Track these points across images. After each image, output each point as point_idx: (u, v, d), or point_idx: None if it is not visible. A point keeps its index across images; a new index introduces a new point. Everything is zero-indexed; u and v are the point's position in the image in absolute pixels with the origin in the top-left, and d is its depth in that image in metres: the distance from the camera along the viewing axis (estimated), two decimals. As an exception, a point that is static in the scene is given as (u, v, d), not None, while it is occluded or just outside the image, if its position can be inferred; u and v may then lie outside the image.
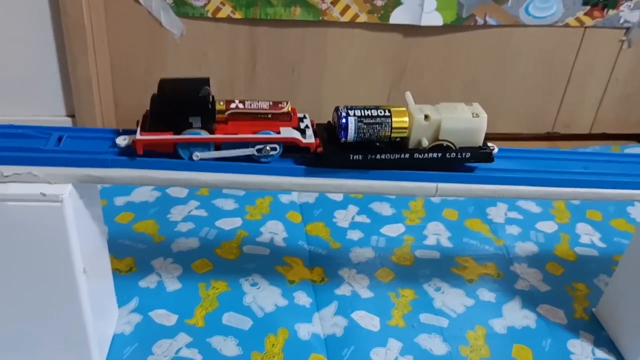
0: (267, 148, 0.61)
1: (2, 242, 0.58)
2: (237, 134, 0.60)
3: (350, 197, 1.06)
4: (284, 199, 1.04)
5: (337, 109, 0.61)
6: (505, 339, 0.79)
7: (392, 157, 0.62)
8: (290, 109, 0.62)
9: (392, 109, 0.62)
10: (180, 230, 0.93)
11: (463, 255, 0.94)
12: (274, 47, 1.13)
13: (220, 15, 1.07)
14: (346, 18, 1.10)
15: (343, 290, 0.85)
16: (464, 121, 0.62)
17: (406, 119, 0.61)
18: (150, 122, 0.60)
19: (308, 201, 1.04)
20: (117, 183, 0.59)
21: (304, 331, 0.77)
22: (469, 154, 0.63)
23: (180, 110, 0.59)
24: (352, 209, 1.03)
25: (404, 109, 0.62)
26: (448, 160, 0.63)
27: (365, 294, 0.85)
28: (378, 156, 0.62)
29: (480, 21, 1.13)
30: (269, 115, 0.62)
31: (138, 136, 0.59)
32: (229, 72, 1.14)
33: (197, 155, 0.60)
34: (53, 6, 1.03)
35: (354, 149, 0.61)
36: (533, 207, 1.07)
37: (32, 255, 0.59)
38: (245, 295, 0.81)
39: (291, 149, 0.62)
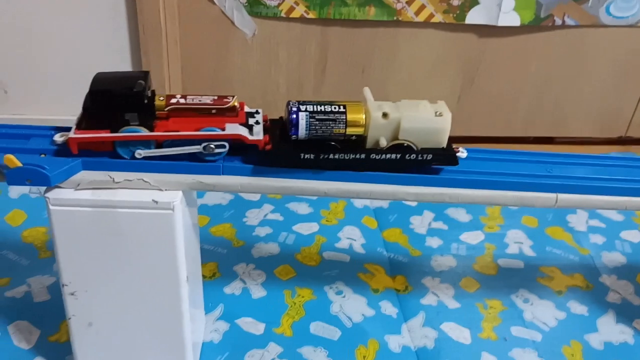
0: (212, 146, 0.56)
1: (109, 248, 0.57)
2: (178, 131, 0.56)
3: (423, 203, 1.03)
4: (358, 203, 1.02)
5: (288, 104, 0.57)
6: (604, 355, 0.76)
7: (346, 157, 0.57)
8: (237, 103, 0.58)
9: (348, 105, 0.57)
10: (258, 234, 0.91)
11: (548, 264, 0.91)
12: (345, 47, 1.10)
13: (294, 14, 1.05)
14: (421, 18, 1.07)
15: (429, 300, 0.82)
16: (425, 120, 0.57)
17: (362, 115, 0.57)
18: (85, 119, 0.56)
19: (382, 206, 1.01)
20: (227, 190, 0.57)
21: (394, 343, 0.75)
22: (431, 155, 0.58)
23: (114, 106, 0.55)
24: (428, 214, 1.00)
25: (361, 105, 0.58)
26: (407, 161, 0.58)
27: (452, 304, 0.82)
28: (331, 155, 0.57)
29: (558, 21, 1.09)
30: (213, 111, 0.57)
31: (72, 134, 0.55)
32: (298, 72, 1.12)
33: (140, 153, 0.56)
34: (129, 7, 1.02)
35: (305, 147, 0.57)
36: (615, 216, 1.03)
37: (138, 261, 0.58)
38: (331, 304, 0.79)
39: (239, 147, 0.57)
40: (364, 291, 0.82)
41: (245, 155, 0.58)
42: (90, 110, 0.55)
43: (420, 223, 0.98)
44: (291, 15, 1.05)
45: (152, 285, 0.60)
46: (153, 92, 0.58)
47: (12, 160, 0.52)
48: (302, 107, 0.56)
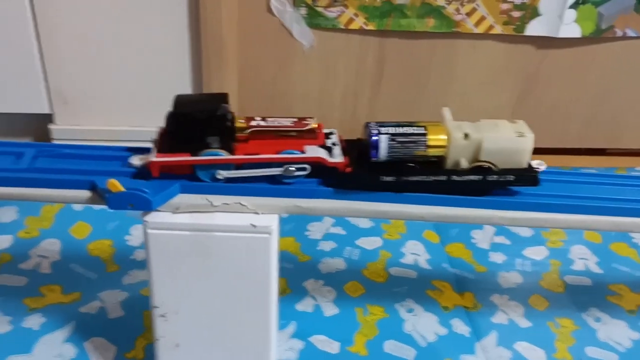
0: (291, 168, 0.56)
1: (203, 271, 0.57)
2: (258, 153, 0.56)
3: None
4: (416, 216, 1.01)
5: (367, 125, 0.56)
6: (684, 378, 0.75)
7: (427, 179, 0.56)
8: (316, 125, 0.58)
9: (428, 126, 0.56)
10: (323, 249, 0.91)
11: (616, 282, 0.89)
12: (402, 58, 1.09)
13: (353, 26, 1.04)
14: (480, 29, 1.06)
15: (499, 318, 0.81)
16: (507, 141, 0.56)
17: (444, 137, 0.56)
18: (167, 142, 0.56)
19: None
20: (323, 214, 0.57)
21: (469, 363, 0.74)
22: (512, 176, 0.57)
23: (197, 129, 0.54)
24: (489, 229, 0.99)
25: (441, 126, 0.57)
26: (489, 183, 0.57)
27: (523, 323, 0.81)
28: (412, 177, 0.56)
29: (619, 33, 1.08)
30: (293, 133, 0.57)
31: (153, 157, 0.55)
32: (355, 84, 1.11)
33: (222, 173, 0.56)
34: (192, 19, 1.02)
35: (385, 169, 0.56)
36: (679, 231, 1.01)
37: (230, 284, 0.58)
38: (404, 323, 0.78)
39: (318, 169, 0.57)
40: (434, 309, 0.81)
41: (323, 177, 0.58)
42: (172, 133, 0.55)
43: (483, 238, 0.97)
44: (350, 27, 1.05)
45: (241, 306, 0.59)
46: (233, 114, 0.57)
47: (116, 185, 0.52)
48: (383, 130, 0.56)
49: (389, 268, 0.88)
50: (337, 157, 0.56)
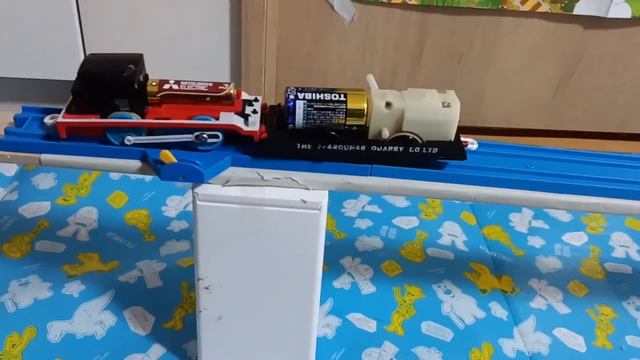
0: (204, 136, 0.53)
1: (250, 245, 0.56)
2: (170, 118, 0.54)
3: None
4: (453, 197, 0.99)
5: (286, 90, 0.54)
6: None
7: (346, 149, 0.54)
8: (233, 91, 0.55)
9: (349, 93, 0.53)
10: (359, 227, 0.90)
11: (657, 271, 0.88)
12: (443, 35, 1.07)
13: (396, 0, 1.02)
14: (527, 7, 1.03)
15: (538, 303, 0.80)
16: (431, 111, 0.53)
17: (364, 105, 0.53)
18: (75, 103, 0.54)
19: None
20: (375, 192, 0.56)
21: (508, 347, 0.73)
22: (436, 148, 0.54)
23: (104, 91, 0.52)
24: (527, 212, 0.97)
25: (364, 94, 0.54)
26: (411, 155, 0.54)
27: (562, 309, 0.80)
28: (330, 146, 0.54)
29: (670, 14, 1.04)
30: (207, 98, 0.55)
31: (60, 118, 0.53)
32: (393, 60, 1.09)
33: (130, 139, 0.54)
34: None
35: (303, 136, 0.54)
36: None
37: (277, 258, 0.57)
38: (442, 304, 0.78)
39: (234, 137, 0.54)
40: (472, 291, 0.81)
41: (240, 145, 0.55)
42: (79, 94, 0.53)
43: (520, 221, 0.96)
44: (393, 1, 1.02)
45: (286, 281, 0.59)
46: (146, 76, 0.56)
47: (168, 156, 0.51)
48: (300, 95, 0.53)
49: (426, 248, 0.87)
50: (253, 126, 0.54)
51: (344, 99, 0.53)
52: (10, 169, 0.97)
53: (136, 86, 0.53)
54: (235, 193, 0.54)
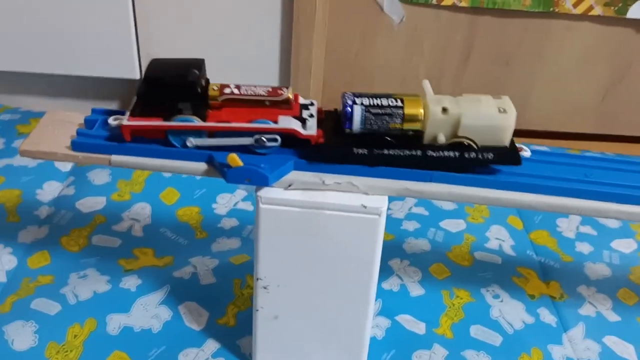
0: (263, 139, 0.54)
1: (309, 247, 0.57)
2: (230, 121, 0.55)
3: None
4: (499, 200, 0.99)
5: (343, 96, 0.54)
6: None
7: (401, 154, 0.54)
8: (291, 96, 0.56)
9: (406, 99, 0.54)
10: (406, 228, 0.91)
11: None
12: (492, 37, 1.06)
13: (445, 2, 1.02)
14: (579, 10, 1.02)
15: (587, 310, 0.80)
16: (487, 117, 0.53)
17: (420, 110, 0.53)
18: (139, 106, 0.55)
19: (525, 205, 0.99)
20: (435, 198, 0.56)
21: (557, 354, 0.73)
22: (492, 154, 0.54)
23: (167, 95, 0.54)
24: (574, 217, 0.97)
25: (419, 99, 0.54)
26: (467, 160, 0.54)
27: (612, 317, 0.79)
28: (386, 151, 0.54)
29: None
30: (267, 102, 0.56)
31: (126, 121, 0.55)
32: (441, 62, 1.09)
33: (192, 141, 0.55)
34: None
35: (359, 141, 0.54)
36: None
37: (335, 261, 0.58)
38: (491, 308, 0.78)
39: (292, 140, 0.56)
40: (520, 296, 0.81)
41: (296, 149, 0.57)
42: (144, 97, 0.55)
43: (568, 226, 0.95)
44: (443, 3, 1.02)
45: (343, 283, 0.60)
46: (207, 80, 0.57)
47: (235, 160, 0.53)
48: (358, 100, 0.54)
49: (473, 252, 0.88)
50: (310, 130, 0.55)
51: (401, 105, 0.54)
52: (66, 164, 1.00)
53: (199, 90, 0.55)
54: (297, 197, 0.55)
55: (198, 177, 0.97)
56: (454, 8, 1.03)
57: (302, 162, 0.56)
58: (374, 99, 0.54)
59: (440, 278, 0.82)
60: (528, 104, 1.13)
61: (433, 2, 1.03)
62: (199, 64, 0.56)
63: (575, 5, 1.02)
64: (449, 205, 0.97)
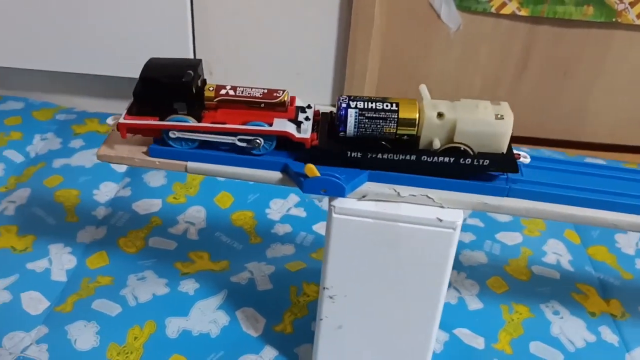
0: (258, 141, 0.55)
1: (379, 258, 0.57)
2: (225, 122, 0.55)
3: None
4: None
5: (338, 98, 0.54)
6: None
7: (395, 158, 0.54)
8: (287, 98, 0.56)
9: (401, 103, 0.53)
10: (462, 239, 0.90)
11: None
12: (550, 48, 1.05)
13: (504, 11, 1.01)
14: (642, 21, 1.00)
15: (650, 330, 0.78)
16: (484, 123, 0.52)
17: (415, 115, 0.53)
18: (136, 105, 0.56)
19: (581, 219, 0.96)
20: (511, 214, 0.55)
21: (621, 374, 0.72)
22: (488, 160, 0.53)
23: (163, 94, 0.55)
24: (633, 234, 0.94)
25: (415, 103, 0.53)
26: (462, 166, 0.54)
27: (676, 338, 0.77)
28: (380, 155, 0.54)
29: None
30: (262, 105, 0.55)
31: (122, 119, 0.55)
32: (497, 71, 1.08)
33: (175, 132, 0.55)
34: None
35: (353, 145, 0.54)
36: None
37: (404, 273, 0.58)
38: (551, 325, 0.77)
39: (287, 143, 0.55)
40: (580, 313, 0.79)
41: (290, 151, 0.57)
42: (140, 97, 0.56)
43: (627, 242, 0.93)
44: (501, 12, 1.01)
45: (411, 296, 0.59)
46: (204, 81, 0.57)
47: (313, 170, 0.52)
48: (352, 103, 0.53)
49: (531, 266, 0.86)
50: (305, 133, 0.55)
51: (396, 109, 0.54)
52: (122, 165, 1.01)
53: (194, 91, 0.55)
54: (370, 208, 0.55)
55: (251, 182, 0.98)
56: (513, 17, 1.02)
57: (376, 174, 0.56)
58: (369, 102, 0.54)
59: (498, 292, 0.81)
60: (585, 115, 1.11)
61: (492, 11, 1.01)
62: (195, 64, 0.57)
63: (639, 17, 0.99)
64: (504, 217, 0.95)
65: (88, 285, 0.78)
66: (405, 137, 0.54)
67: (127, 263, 0.82)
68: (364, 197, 0.55)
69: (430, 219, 0.54)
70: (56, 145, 1.05)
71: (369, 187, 0.55)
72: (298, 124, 0.56)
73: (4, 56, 1.10)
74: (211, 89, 0.56)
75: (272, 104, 0.56)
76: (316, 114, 0.59)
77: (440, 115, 0.53)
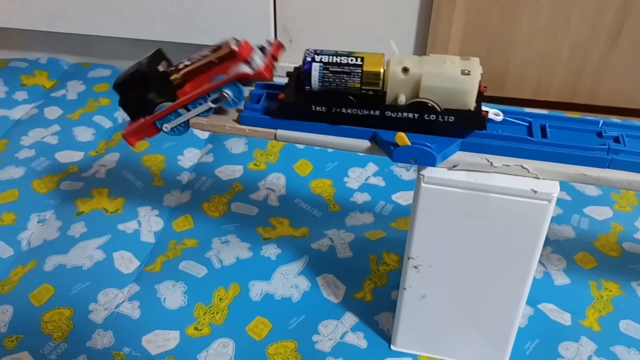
0: (224, 94, 0.56)
1: (468, 229, 0.56)
2: (194, 91, 0.58)
3: None
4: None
5: (305, 52, 0.53)
6: None
7: (360, 113, 0.53)
8: (234, 47, 0.56)
9: (366, 57, 0.51)
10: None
11: None
12: (648, 12, 0.98)
13: (600, -27, 0.95)
14: None
15: None
16: (448, 78, 0.50)
17: (380, 69, 0.51)
18: (127, 112, 0.61)
19: None
20: (612, 186, 0.53)
21: None
22: (453, 117, 0.51)
23: (132, 91, 0.59)
24: None
25: (381, 58, 0.51)
26: (427, 122, 0.52)
27: None
28: (344, 110, 0.53)
29: None
30: (215, 61, 0.57)
31: (124, 132, 0.61)
32: (588, 37, 1.02)
33: (166, 126, 0.59)
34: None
35: (319, 99, 0.53)
36: None
37: (494, 245, 0.57)
38: (643, 303, 0.74)
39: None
40: (674, 293, 0.75)
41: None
42: (123, 105, 0.60)
43: None
44: (597, -26, 0.95)
45: (499, 268, 0.58)
46: (169, 65, 0.59)
47: (403, 139, 0.52)
48: (317, 57, 0.53)
49: (621, 242, 0.82)
50: (256, 64, 0.56)
51: (360, 63, 0.53)
52: (204, 132, 1.03)
53: (151, 79, 0.58)
54: (461, 177, 0.54)
55: (330, 150, 0.98)
56: (609, -20, 0.96)
57: (468, 143, 0.54)
58: (334, 56, 0.53)
59: (586, 268, 0.78)
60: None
61: (586, -27, 0.96)
62: (151, 55, 0.60)
63: None
64: (593, 191, 0.91)
65: (175, 247, 0.81)
66: (370, 92, 0.54)
67: (211, 227, 0.84)
68: (454, 166, 0.54)
69: (525, 190, 0.53)
70: (141, 112, 1.09)
71: (460, 156, 0.54)
72: (248, 62, 0.57)
73: (92, 25, 1.14)
74: (171, 68, 0.60)
75: (223, 56, 0.58)
76: (276, 45, 0.60)
77: (405, 70, 0.52)
